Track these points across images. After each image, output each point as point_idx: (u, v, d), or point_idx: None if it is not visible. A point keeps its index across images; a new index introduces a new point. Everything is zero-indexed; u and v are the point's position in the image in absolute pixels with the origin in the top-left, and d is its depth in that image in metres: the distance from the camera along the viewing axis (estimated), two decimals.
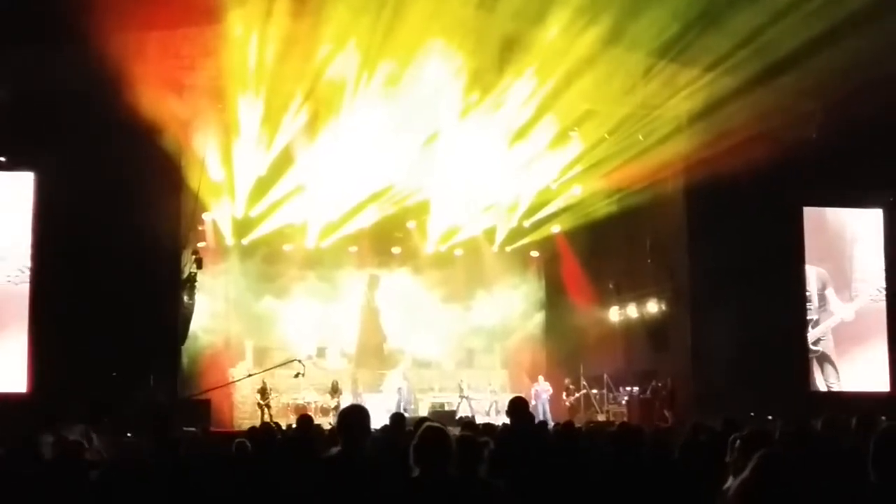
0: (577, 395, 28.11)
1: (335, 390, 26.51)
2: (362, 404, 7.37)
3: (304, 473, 6.80)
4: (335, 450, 6.38)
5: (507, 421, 9.94)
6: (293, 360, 23.27)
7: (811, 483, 4.46)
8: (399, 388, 27.61)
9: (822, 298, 25.39)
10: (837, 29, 17.88)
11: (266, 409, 25.07)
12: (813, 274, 25.29)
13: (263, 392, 25.31)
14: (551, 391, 27.64)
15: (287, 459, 8.83)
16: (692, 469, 7.69)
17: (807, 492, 4.39)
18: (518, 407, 9.50)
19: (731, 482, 5.81)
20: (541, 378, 28.38)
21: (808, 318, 25.18)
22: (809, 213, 25.12)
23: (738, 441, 6.87)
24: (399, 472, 5.90)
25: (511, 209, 28.98)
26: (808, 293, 25.17)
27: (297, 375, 23.41)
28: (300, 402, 26.85)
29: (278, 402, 26.37)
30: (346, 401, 25.99)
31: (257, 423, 20.23)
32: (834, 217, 25.61)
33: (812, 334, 25.16)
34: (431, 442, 5.65)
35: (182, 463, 9.30)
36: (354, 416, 6.47)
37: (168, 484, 8.55)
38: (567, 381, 28.55)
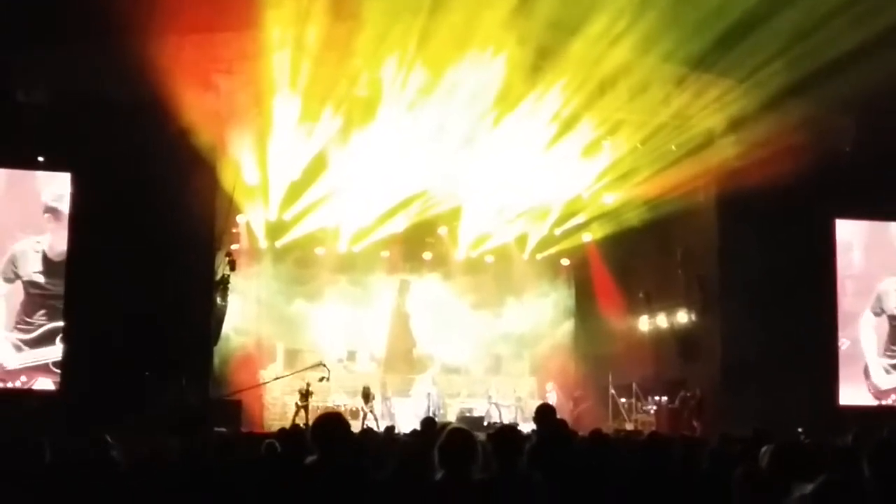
0: (585, 404, 28.22)
1: (367, 396, 26.42)
2: (340, 413, 7.20)
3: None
4: (311, 459, 6.07)
5: (534, 427, 9.94)
6: (318, 364, 23.38)
7: None
8: (428, 394, 27.64)
9: None
10: (873, 42, 17.83)
11: (304, 412, 25.04)
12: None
13: (305, 394, 25.16)
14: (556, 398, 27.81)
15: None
16: (720, 480, 7.70)
17: None
18: (545, 413, 9.47)
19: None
20: (549, 385, 28.64)
21: None
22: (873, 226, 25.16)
23: (768, 453, 6.88)
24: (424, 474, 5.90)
25: (542, 217, 29.04)
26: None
27: (321, 379, 23.43)
28: (330, 404, 26.92)
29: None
30: (377, 406, 26.14)
31: (287, 424, 20.36)
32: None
33: None
34: (457, 444, 5.65)
35: (210, 463, 9.39)
36: (330, 425, 6.13)
37: (193, 484, 8.65)
38: (577, 391, 28.61)
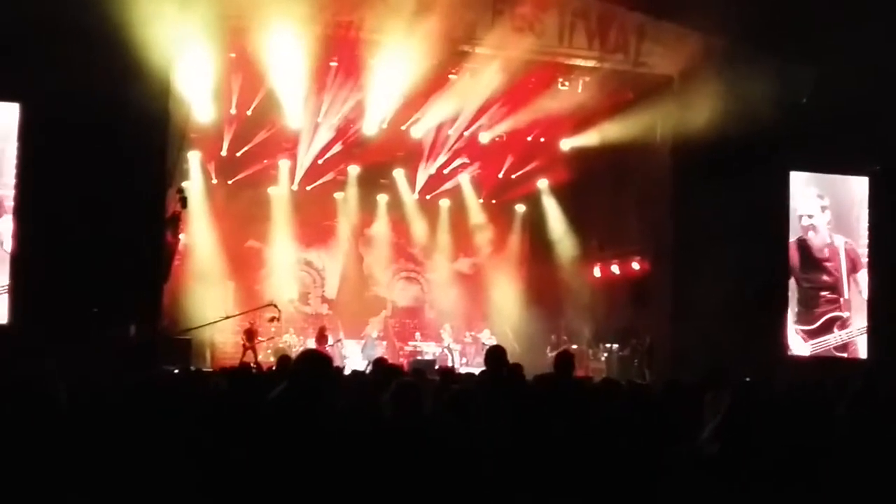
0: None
1: (322, 336, 26.44)
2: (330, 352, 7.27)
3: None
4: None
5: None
6: (269, 304, 23.42)
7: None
8: (368, 335, 27.86)
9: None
10: None
11: (251, 352, 24.94)
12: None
13: (250, 334, 25.18)
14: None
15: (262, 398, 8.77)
16: (666, 426, 7.71)
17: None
18: (495, 355, 9.53)
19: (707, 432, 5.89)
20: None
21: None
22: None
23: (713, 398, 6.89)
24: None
25: (498, 162, 29.00)
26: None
27: (272, 319, 23.50)
28: (280, 344, 26.90)
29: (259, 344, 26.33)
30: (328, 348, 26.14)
31: (237, 363, 20.31)
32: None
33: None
34: (407, 398, 5.81)
35: (157, 400, 9.27)
36: (308, 361, 6.21)
37: (140, 420, 8.54)
38: (553, 336, 28.67)
